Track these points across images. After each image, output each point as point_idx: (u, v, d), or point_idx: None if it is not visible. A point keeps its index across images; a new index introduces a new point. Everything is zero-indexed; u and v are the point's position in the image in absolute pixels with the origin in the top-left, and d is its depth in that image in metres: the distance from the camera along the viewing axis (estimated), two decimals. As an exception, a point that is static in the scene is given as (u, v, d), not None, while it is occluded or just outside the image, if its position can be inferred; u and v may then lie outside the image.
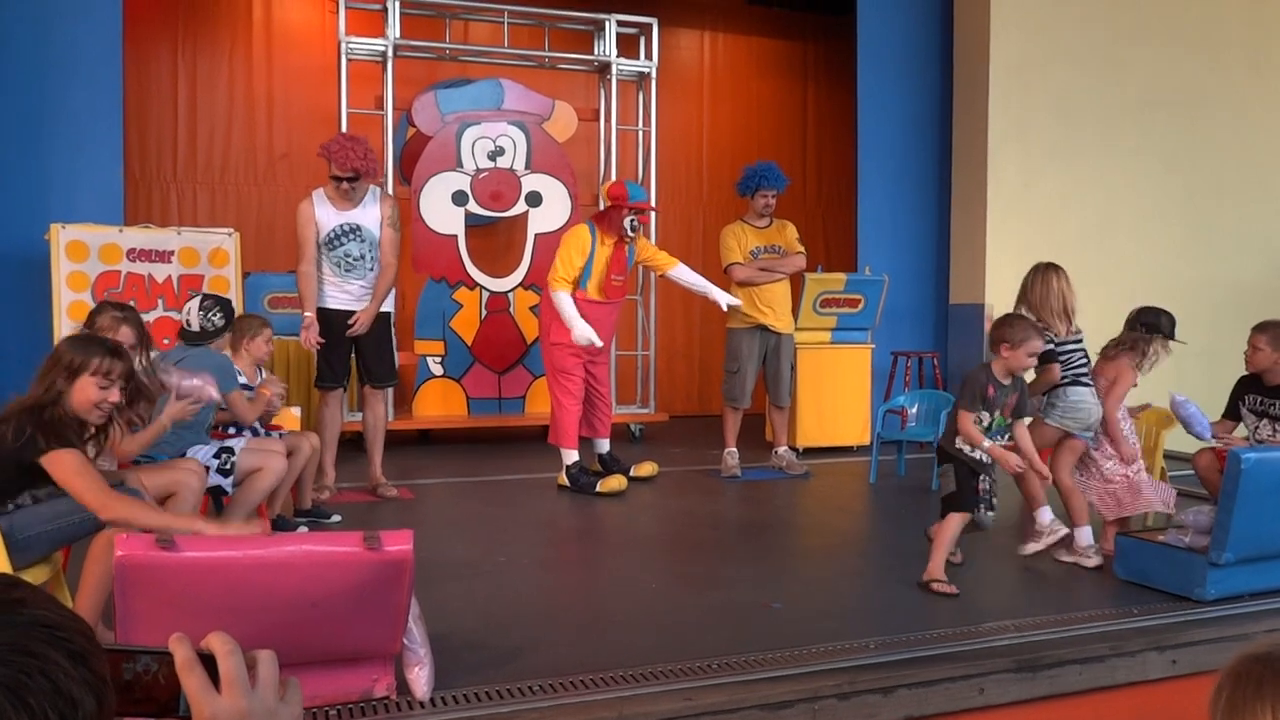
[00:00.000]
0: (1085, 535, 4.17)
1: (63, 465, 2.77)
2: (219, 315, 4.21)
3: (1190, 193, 8.16)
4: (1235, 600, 3.58)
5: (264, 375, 4.58)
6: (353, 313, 5.21)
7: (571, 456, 5.70)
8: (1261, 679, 1.02)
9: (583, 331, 5.51)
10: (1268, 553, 3.63)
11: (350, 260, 5.20)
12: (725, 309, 5.96)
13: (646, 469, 5.99)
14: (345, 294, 5.21)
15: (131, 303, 5.77)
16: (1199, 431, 4.43)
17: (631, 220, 5.65)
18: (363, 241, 5.24)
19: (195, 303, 4.26)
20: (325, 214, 5.18)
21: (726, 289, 6.10)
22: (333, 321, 5.18)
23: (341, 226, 5.19)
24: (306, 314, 5.14)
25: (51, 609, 0.75)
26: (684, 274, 5.98)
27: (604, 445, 6.01)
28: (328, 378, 5.31)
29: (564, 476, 5.69)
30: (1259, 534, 3.56)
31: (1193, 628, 3.33)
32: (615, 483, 5.56)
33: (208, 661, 0.84)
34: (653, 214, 5.79)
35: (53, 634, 0.73)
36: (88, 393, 2.87)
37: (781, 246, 6.33)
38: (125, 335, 3.56)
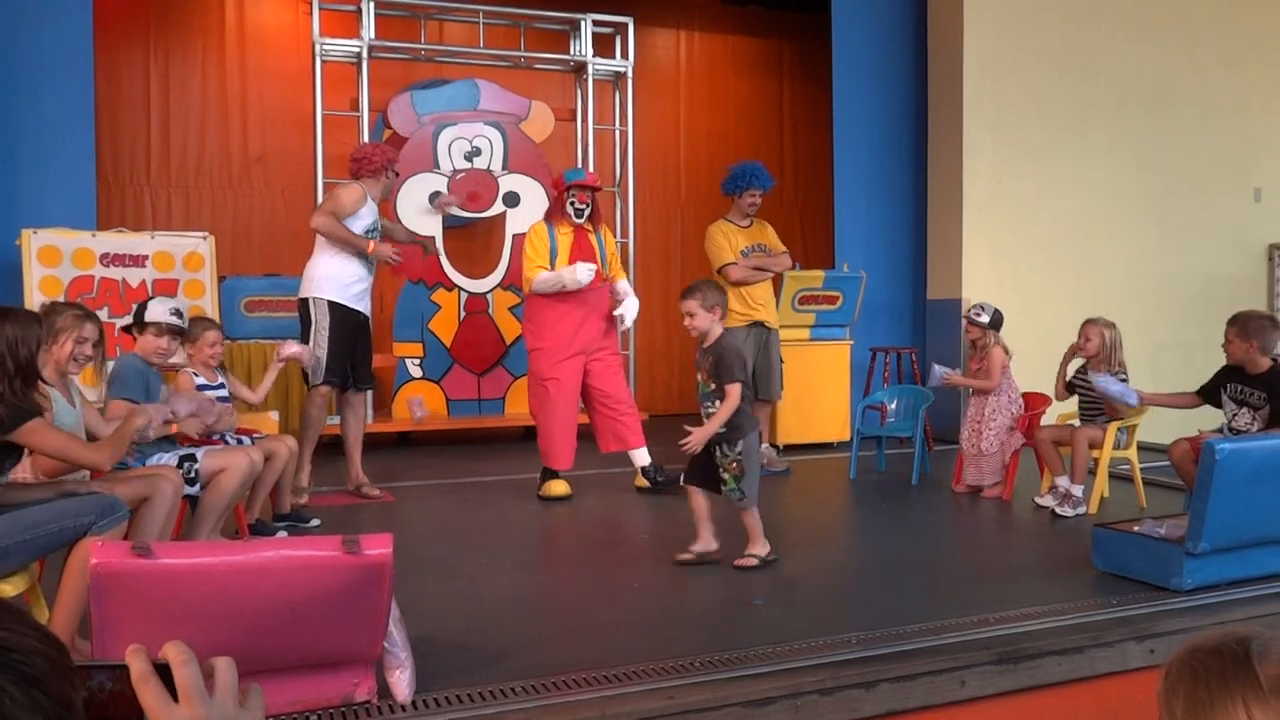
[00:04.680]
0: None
1: (35, 433, 2.88)
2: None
3: (1163, 187, 8.24)
4: (1212, 589, 3.61)
5: (225, 378, 4.54)
6: (360, 313, 5.26)
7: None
8: (1225, 673, 0.99)
9: (573, 272, 5.29)
10: (1243, 542, 3.67)
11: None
12: (621, 327, 5.77)
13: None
14: (350, 291, 5.21)
15: (106, 309, 5.73)
16: (1127, 402, 4.87)
17: (572, 202, 5.49)
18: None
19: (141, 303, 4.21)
20: (368, 208, 5.28)
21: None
22: (347, 320, 5.17)
23: (374, 222, 5.33)
24: (370, 245, 5.17)
25: (15, 628, 0.74)
26: (621, 286, 5.78)
27: (641, 457, 5.64)
28: (334, 373, 5.17)
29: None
30: (1234, 523, 3.59)
31: (1170, 617, 3.36)
32: (557, 488, 5.40)
33: (164, 672, 0.83)
34: (595, 192, 5.60)
35: (5, 656, 0.72)
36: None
37: (767, 246, 6.34)
38: (90, 333, 3.54)
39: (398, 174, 5.68)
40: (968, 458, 5.58)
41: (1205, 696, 0.99)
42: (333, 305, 5.14)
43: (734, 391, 3.95)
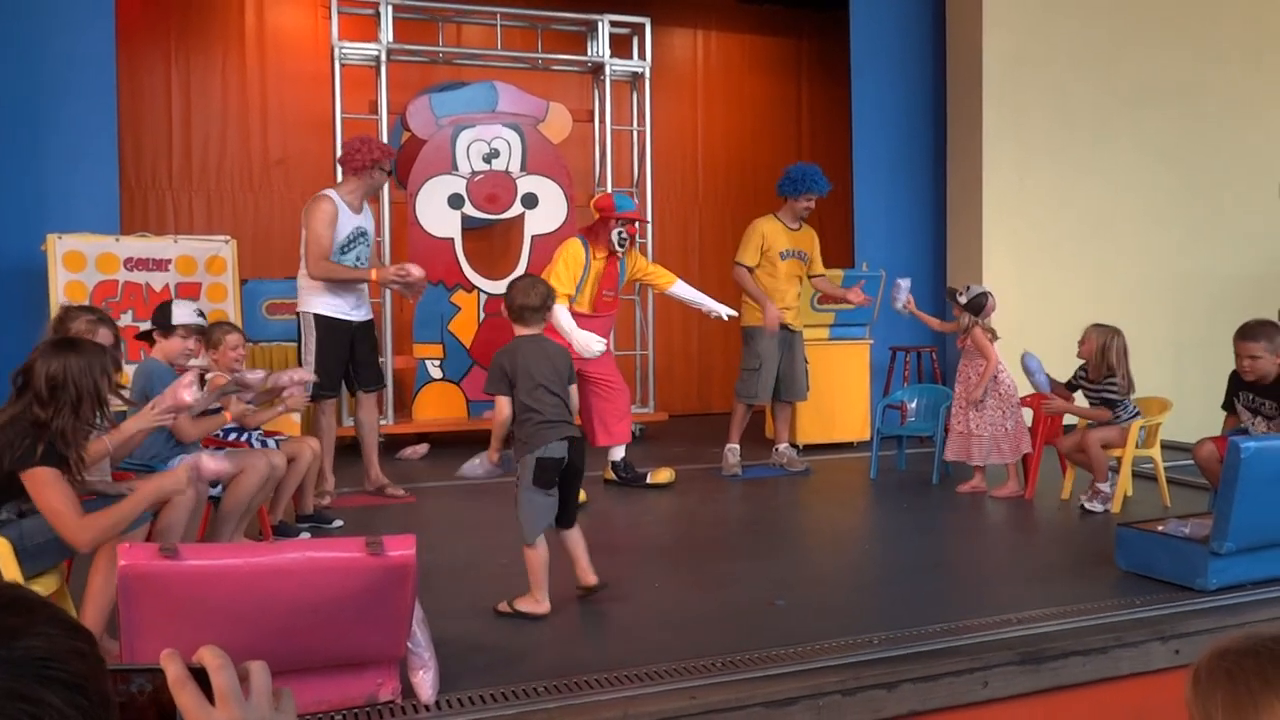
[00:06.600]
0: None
1: (43, 482, 2.71)
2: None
3: (1185, 186, 8.17)
4: (1237, 589, 3.59)
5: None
6: (349, 322, 5.15)
7: None
8: (1265, 673, 0.99)
9: (583, 341, 5.26)
10: (1268, 541, 3.64)
11: (358, 265, 5.18)
12: (725, 318, 5.83)
13: (664, 476, 5.77)
14: (342, 301, 5.14)
15: (130, 313, 5.77)
16: (1037, 382, 5.09)
17: (619, 233, 5.45)
18: (367, 246, 5.25)
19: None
20: (344, 217, 5.12)
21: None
22: (337, 331, 5.10)
23: (355, 230, 5.16)
24: (373, 272, 5.12)
25: (48, 630, 0.75)
26: (683, 290, 5.86)
27: (617, 452, 5.73)
28: (327, 388, 5.15)
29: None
30: (1259, 523, 3.56)
31: (1195, 617, 3.34)
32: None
33: (200, 675, 0.85)
34: (642, 224, 5.58)
35: (45, 668, 0.72)
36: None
37: (807, 253, 6.34)
38: (105, 337, 3.57)
39: (388, 172, 5.32)
40: (954, 434, 5.58)
41: (1248, 699, 0.99)
42: (320, 319, 5.07)
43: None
